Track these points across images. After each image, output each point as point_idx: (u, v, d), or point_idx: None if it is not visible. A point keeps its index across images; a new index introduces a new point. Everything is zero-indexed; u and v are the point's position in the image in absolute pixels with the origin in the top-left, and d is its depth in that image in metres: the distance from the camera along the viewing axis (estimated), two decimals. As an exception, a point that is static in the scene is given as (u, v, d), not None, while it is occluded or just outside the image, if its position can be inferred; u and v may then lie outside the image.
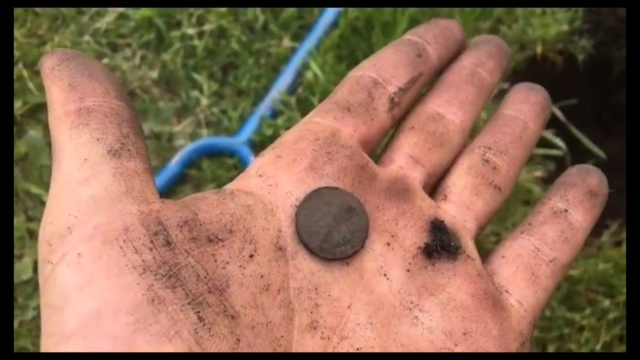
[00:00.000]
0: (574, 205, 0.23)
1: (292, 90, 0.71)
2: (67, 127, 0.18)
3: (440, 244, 0.21)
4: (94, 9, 0.75)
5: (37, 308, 0.61)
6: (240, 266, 0.18)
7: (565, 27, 0.77)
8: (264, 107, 0.70)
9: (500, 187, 0.24)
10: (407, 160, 0.23)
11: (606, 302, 0.62)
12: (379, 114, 0.23)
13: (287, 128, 0.70)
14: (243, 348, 0.16)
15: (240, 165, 0.68)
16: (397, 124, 0.24)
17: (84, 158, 0.17)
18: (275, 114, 0.70)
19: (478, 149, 0.24)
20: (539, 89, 0.26)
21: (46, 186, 0.67)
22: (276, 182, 0.20)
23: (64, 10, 0.75)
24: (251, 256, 0.18)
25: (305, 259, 0.19)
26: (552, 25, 0.77)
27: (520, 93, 0.26)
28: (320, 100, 0.71)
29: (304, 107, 0.70)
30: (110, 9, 0.75)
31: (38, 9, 0.76)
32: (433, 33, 0.25)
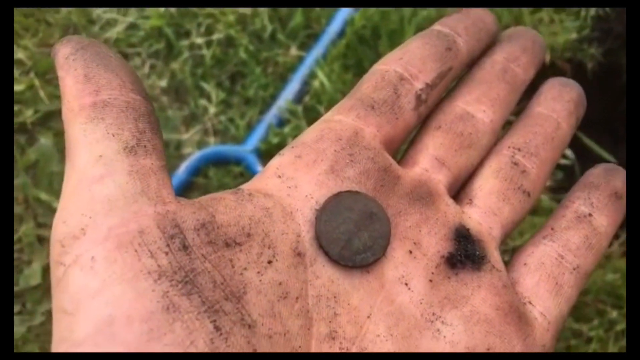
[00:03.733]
0: (598, 209, 0.22)
1: (299, 99, 0.72)
2: (82, 122, 0.17)
3: (464, 254, 0.20)
4: (104, 19, 0.76)
5: (45, 314, 0.62)
6: (258, 272, 0.17)
7: (573, 35, 0.77)
8: (271, 116, 0.71)
9: (529, 192, 0.22)
10: (432, 162, 0.22)
11: (614, 314, 0.61)
12: (405, 113, 0.21)
13: (294, 137, 0.70)
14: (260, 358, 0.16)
15: (247, 173, 0.69)
16: (422, 122, 0.23)
17: (98, 155, 0.17)
18: (282, 123, 0.71)
19: (507, 149, 0.23)
20: (573, 85, 0.25)
21: (56, 193, 0.68)
22: (295, 184, 0.19)
23: (75, 19, 0.77)
24: (269, 262, 0.17)
25: (325, 266, 0.18)
26: (561, 34, 0.77)
27: (553, 89, 0.24)
28: (328, 110, 0.71)
29: (311, 116, 0.71)
30: (121, 19, 0.76)
31: (50, 18, 0.77)
32: (464, 24, 0.24)
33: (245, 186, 0.19)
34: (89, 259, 0.15)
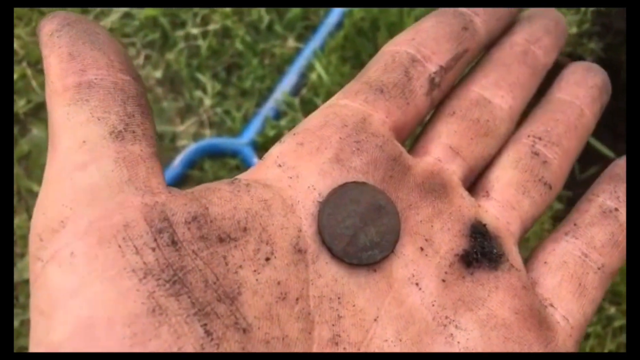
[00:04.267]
0: (625, 203, 0.20)
1: (296, 91, 0.71)
2: (65, 103, 0.16)
3: (481, 251, 0.18)
4: (98, 8, 0.75)
5: (38, 307, 0.61)
6: (255, 271, 0.15)
7: (574, 30, 0.76)
8: (267, 108, 0.70)
9: (551, 185, 0.21)
10: (445, 151, 0.20)
11: (612, 310, 0.61)
12: (416, 97, 0.20)
13: (291, 129, 0.69)
14: None
15: (243, 166, 0.68)
16: (436, 108, 0.21)
17: (82, 140, 0.15)
18: (278, 115, 0.70)
19: (527, 138, 0.21)
20: (597, 70, 0.23)
21: (48, 185, 0.67)
22: (297, 174, 0.17)
23: (69, 9, 0.75)
24: (267, 259, 0.16)
25: (328, 264, 0.17)
26: (561, 28, 0.76)
27: (576, 74, 0.23)
28: (325, 102, 0.70)
29: (308, 109, 0.70)
30: (115, 9, 0.75)
31: (43, 8, 0.76)
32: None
33: (243, 176, 0.18)
34: (68, 254, 0.14)
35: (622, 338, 0.60)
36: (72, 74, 0.16)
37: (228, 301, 0.15)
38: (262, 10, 0.75)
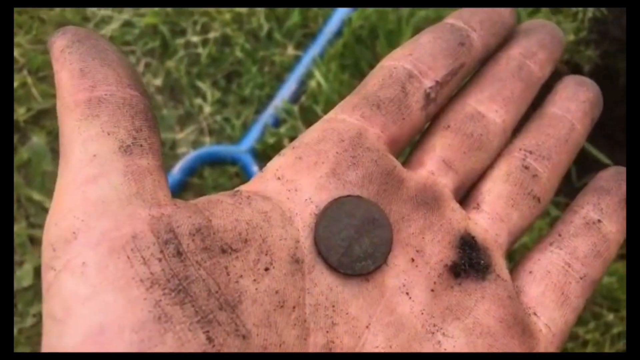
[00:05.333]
0: (607, 215, 0.21)
1: (295, 98, 0.71)
2: (77, 118, 0.17)
3: (468, 262, 0.19)
4: (99, 16, 0.76)
5: (37, 315, 0.61)
6: (255, 280, 0.16)
7: (571, 37, 0.77)
8: (267, 116, 0.70)
9: (540, 198, 0.21)
10: (438, 164, 0.21)
11: (610, 316, 0.61)
12: (412, 112, 0.21)
13: (290, 137, 0.70)
14: None
15: (243, 174, 0.68)
16: (432, 120, 0.22)
17: (93, 154, 0.16)
18: (278, 123, 0.70)
19: (518, 152, 0.22)
20: (589, 85, 0.24)
21: (49, 193, 0.67)
22: (295, 187, 0.18)
23: (69, 16, 0.76)
24: (266, 269, 0.17)
25: (323, 273, 0.18)
26: (558, 36, 0.77)
27: (568, 89, 0.23)
28: (324, 110, 0.71)
29: (307, 116, 0.70)
30: (116, 16, 0.75)
31: (43, 15, 0.76)
32: (480, 17, 0.22)
33: (244, 187, 0.19)
34: (80, 264, 0.15)
35: (621, 345, 0.60)
36: (82, 90, 0.17)
37: (229, 309, 0.15)
38: (262, 18, 0.75)
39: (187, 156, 0.67)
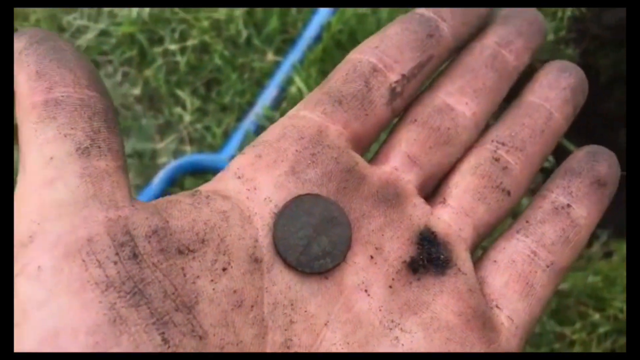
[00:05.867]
0: (578, 199, 0.21)
1: (276, 105, 0.71)
2: (34, 121, 0.16)
3: (427, 257, 0.19)
4: (75, 26, 0.75)
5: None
6: (212, 280, 0.16)
7: (550, 37, 0.77)
8: (248, 123, 0.69)
9: (510, 191, 0.21)
10: (402, 159, 0.20)
11: (596, 316, 0.61)
12: (376, 108, 0.20)
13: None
14: None
15: (225, 182, 0.67)
16: (401, 114, 0.22)
17: (49, 157, 0.16)
18: (259, 130, 0.70)
19: (490, 143, 0.21)
20: (572, 70, 0.23)
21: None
22: (254, 186, 0.18)
23: (44, 27, 0.75)
24: (224, 269, 0.17)
25: (282, 272, 0.18)
26: (538, 35, 0.77)
27: (550, 75, 0.22)
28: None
29: (288, 122, 0.70)
30: (92, 26, 0.74)
31: (18, 27, 0.75)
32: (451, 8, 0.22)
33: (205, 187, 0.19)
34: (35, 268, 0.15)
35: (608, 344, 0.60)
36: (39, 92, 0.16)
37: (185, 310, 0.15)
38: (240, 24, 0.74)
39: (168, 166, 0.67)
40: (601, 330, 0.60)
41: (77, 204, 0.16)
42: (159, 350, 0.15)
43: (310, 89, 0.70)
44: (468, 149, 0.22)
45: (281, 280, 0.18)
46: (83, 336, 0.14)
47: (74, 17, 0.75)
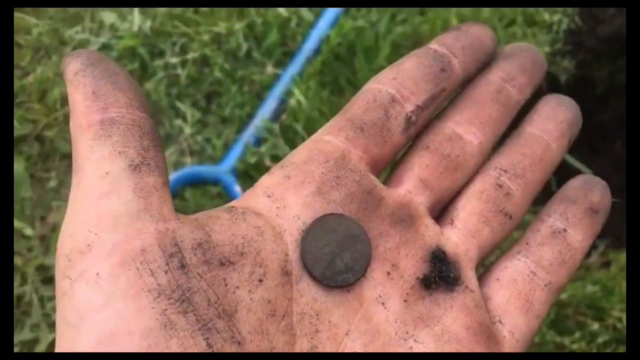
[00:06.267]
0: (573, 225, 0.22)
1: (275, 117, 0.71)
2: (90, 138, 0.18)
3: (438, 275, 0.21)
4: (77, 40, 0.75)
5: (19, 345, 0.60)
6: (249, 291, 0.18)
7: (546, 49, 0.78)
8: (247, 135, 0.70)
9: (512, 215, 0.23)
10: (415, 183, 0.22)
11: (595, 326, 0.61)
12: (393, 135, 0.22)
13: (272, 155, 0.70)
14: None
15: (225, 194, 0.68)
16: (413, 140, 0.23)
17: (105, 172, 0.17)
18: (259, 142, 0.70)
19: (494, 170, 0.23)
20: (568, 105, 0.24)
21: (28, 219, 0.66)
22: (284, 204, 0.20)
23: (46, 41, 0.75)
24: (260, 280, 0.18)
25: (309, 285, 0.19)
26: (534, 47, 0.78)
27: (547, 108, 0.24)
28: (305, 128, 0.71)
29: (288, 134, 0.70)
30: (93, 40, 0.75)
31: (20, 40, 0.76)
32: (462, 44, 0.24)
33: (237, 203, 0.20)
34: (94, 274, 0.16)
35: (607, 352, 0.60)
36: (95, 111, 0.18)
37: (226, 318, 0.17)
38: (240, 37, 0.75)
39: (169, 178, 0.67)
40: (600, 340, 0.60)
41: (131, 216, 0.17)
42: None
43: (309, 101, 0.70)
44: (474, 175, 0.23)
45: (308, 293, 0.19)
46: (137, 339, 0.15)
47: (76, 31, 0.76)
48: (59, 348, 0.16)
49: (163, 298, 0.16)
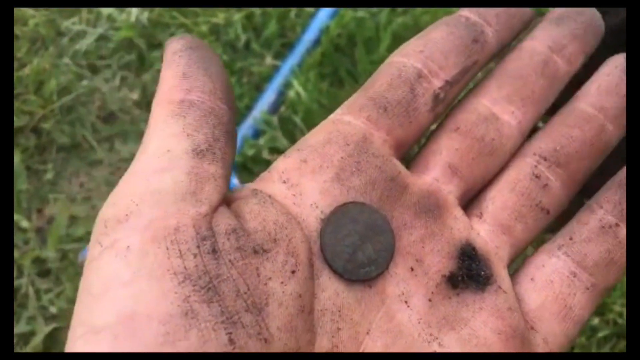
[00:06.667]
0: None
1: (274, 109, 0.71)
2: (166, 114, 0.18)
3: (467, 273, 0.19)
4: (73, 31, 0.75)
5: (15, 337, 0.60)
6: (282, 283, 0.16)
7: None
8: (246, 127, 0.69)
9: (549, 210, 0.20)
10: (444, 170, 0.20)
11: (596, 320, 0.60)
12: (420, 115, 0.20)
13: (270, 148, 0.69)
14: None
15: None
16: (441, 120, 0.21)
17: (167, 149, 0.17)
18: (257, 134, 0.70)
19: (532, 156, 0.20)
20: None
21: (24, 212, 0.65)
22: (301, 191, 0.18)
23: (43, 32, 0.75)
24: (293, 272, 0.17)
25: (330, 278, 0.18)
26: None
27: (611, 78, 0.21)
28: (304, 120, 0.70)
29: (287, 127, 0.70)
30: (90, 31, 0.74)
31: (17, 31, 0.75)
32: (496, 10, 0.21)
33: (254, 186, 0.19)
34: (125, 246, 0.15)
35: (607, 349, 0.60)
36: (179, 90, 0.18)
37: (255, 311, 0.16)
38: (239, 29, 0.74)
39: (166, 170, 0.67)
40: (600, 334, 0.60)
41: (176, 195, 0.16)
42: (223, 350, 0.15)
43: (309, 93, 0.69)
44: (509, 159, 0.21)
45: (330, 287, 0.18)
46: (156, 324, 0.14)
47: (73, 22, 0.75)
48: (77, 315, 0.15)
49: (188, 283, 0.15)
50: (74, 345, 0.15)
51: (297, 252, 0.17)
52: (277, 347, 0.16)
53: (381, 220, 0.19)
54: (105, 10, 0.75)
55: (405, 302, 0.18)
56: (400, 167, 0.20)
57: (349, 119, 0.20)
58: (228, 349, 0.15)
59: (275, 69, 0.73)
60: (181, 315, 0.15)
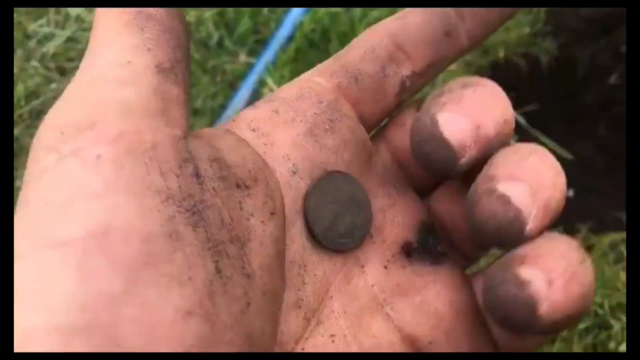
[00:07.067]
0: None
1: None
2: (120, 24, 0.16)
3: (423, 245, 0.19)
4: (41, 33, 0.73)
5: None
6: (262, 222, 0.16)
7: (527, 30, 0.77)
8: (220, 127, 0.68)
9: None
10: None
11: (577, 312, 0.60)
12: (387, 97, 0.20)
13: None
14: (251, 313, 0.15)
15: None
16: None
17: (127, 60, 0.15)
18: (232, 133, 0.69)
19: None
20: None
21: None
22: (272, 141, 0.18)
23: (70, 9, 0.73)
24: (272, 214, 0.16)
25: (300, 232, 0.18)
26: (514, 29, 0.76)
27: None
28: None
29: (262, 125, 0.69)
30: (58, 33, 0.73)
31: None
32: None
33: (226, 127, 0.18)
34: (94, 155, 0.14)
35: (588, 340, 0.60)
36: (134, 8, 0.16)
37: (239, 245, 0.15)
38: (211, 26, 0.73)
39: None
40: (581, 326, 0.60)
41: (144, 112, 0.15)
42: (210, 278, 0.14)
43: (283, 90, 0.69)
44: None
45: (298, 240, 0.18)
46: (136, 242, 0.13)
47: (40, 25, 0.73)
48: (22, 229, 0.13)
49: (171, 203, 0.14)
50: (23, 262, 0.13)
51: (275, 197, 0.17)
52: (258, 285, 0.15)
53: (363, 196, 0.19)
54: (74, 11, 0.73)
55: (362, 266, 0.19)
56: (367, 135, 0.20)
57: (320, 81, 0.19)
58: (215, 277, 0.14)
59: (249, 66, 0.72)
60: (165, 236, 0.13)
